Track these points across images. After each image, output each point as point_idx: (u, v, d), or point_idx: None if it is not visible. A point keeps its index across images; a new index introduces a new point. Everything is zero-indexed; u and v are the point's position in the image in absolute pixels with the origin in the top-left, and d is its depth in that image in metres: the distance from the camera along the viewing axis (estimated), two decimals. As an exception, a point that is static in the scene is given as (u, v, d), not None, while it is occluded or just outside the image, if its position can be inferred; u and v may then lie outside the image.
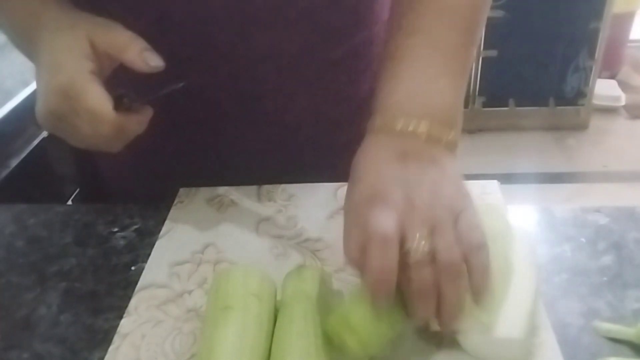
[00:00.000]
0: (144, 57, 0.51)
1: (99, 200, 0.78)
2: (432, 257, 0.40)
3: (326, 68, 0.64)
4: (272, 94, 0.66)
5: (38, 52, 0.53)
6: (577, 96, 2.70)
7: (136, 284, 0.54)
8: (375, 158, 0.46)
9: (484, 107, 2.68)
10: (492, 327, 0.44)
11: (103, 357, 0.47)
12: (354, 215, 0.44)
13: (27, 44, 0.55)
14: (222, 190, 0.67)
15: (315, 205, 0.63)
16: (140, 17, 0.58)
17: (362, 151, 0.48)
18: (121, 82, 0.52)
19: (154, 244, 0.59)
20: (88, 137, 0.52)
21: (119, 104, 0.52)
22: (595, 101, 2.73)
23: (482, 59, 2.57)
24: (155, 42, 0.54)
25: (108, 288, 0.55)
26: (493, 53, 2.56)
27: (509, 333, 0.43)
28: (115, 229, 0.62)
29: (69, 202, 0.98)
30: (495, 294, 0.44)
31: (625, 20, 2.88)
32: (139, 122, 0.54)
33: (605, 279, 0.53)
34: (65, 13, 0.54)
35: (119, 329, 0.50)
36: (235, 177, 0.68)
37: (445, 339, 0.46)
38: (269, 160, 0.70)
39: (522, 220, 0.61)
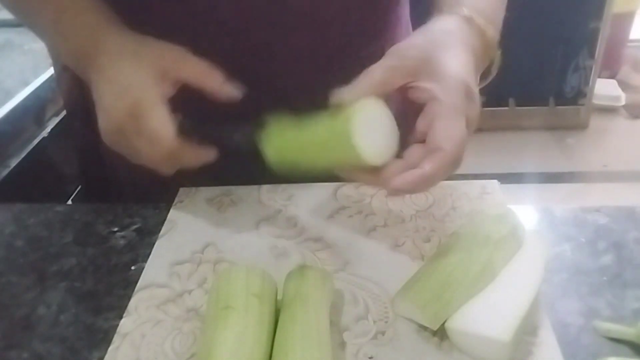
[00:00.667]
0: (225, 88, 0.55)
1: (103, 194, 0.78)
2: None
3: (358, 66, 0.66)
4: (308, 93, 0.67)
5: (98, 74, 0.55)
6: (577, 96, 2.70)
7: (136, 283, 0.54)
8: (455, 40, 0.52)
9: (484, 107, 2.62)
10: (478, 325, 0.44)
11: (103, 357, 0.47)
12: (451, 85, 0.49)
13: (81, 63, 0.57)
14: (222, 190, 0.67)
15: (315, 205, 0.64)
16: (179, 15, 0.59)
17: (443, 26, 0.54)
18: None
19: (154, 244, 0.59)
20: (146, 157, 0.55)
21: (180, 129, 0.54)
22: (595, 101, 2.73)
23: (482, 58, 2.56)
24: (191, 40, 0.55)
25: (108, 288, 0.55)
26: (493, 53, 2.56)
27: (495, 334, 0.43)
28: (115, 229, 0.62)
29: (69, 202, 0.98)
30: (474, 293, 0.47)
31: (625, 20, 2.88)
32: (195, 155, 0.57)
33: (605, 278, 0.53)
34: (127, 38, 0.56)
35: (118, 328, 0.50)
36: (250, 176, 0.68)
37: (445, 339, 0.46)
38: None
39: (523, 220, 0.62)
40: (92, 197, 0.83)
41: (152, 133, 0.53)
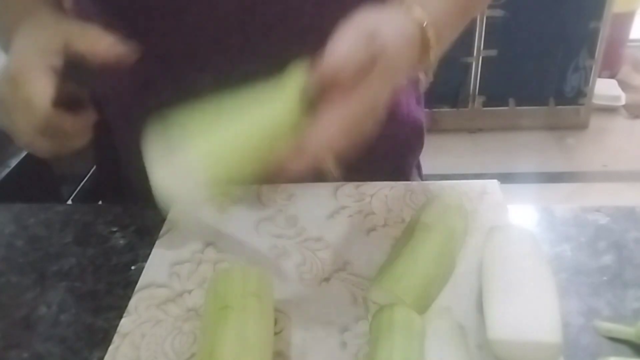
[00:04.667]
0: (114, 48, 0.52)
1: (117, 183, 0.77)
2: None
3: None
4: None
5: (13, 42, 0.54)
6: (577, 96, 2.70)
7: (136, 283, 0.54)
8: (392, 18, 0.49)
9: (484, 106, 2.68)
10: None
11: (103, 357, 0.47)
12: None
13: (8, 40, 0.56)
14: (222, 190, 0.67)
15: (315, 205, 0.64)
16: (154, 16, 0.59)
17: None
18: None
19: (154, 244, 0.59)
20: (21, 129, 0.52)
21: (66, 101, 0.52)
22: (595, 101, 2.73)
23: (482, 58, 2.57)
24: (167, 42, 0.54)
25: (108, 288, 0.55)
26: (493, 53, 2.56)
27: (545, 337, 0.42)
28: (115, 229, 0.62)
29: (69, 202, 0.98)
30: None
31: (625, 20, 2.88)
32: (75, 125, 0.54)
33: (605, 278, 0.53)
34: (48, 16, 0.55)
35: (118, 328, 0.50)
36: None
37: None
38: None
39: (522, 220, 0.62)
40: (106, 180, 0.82)
41: (25, 101, 0.50)
